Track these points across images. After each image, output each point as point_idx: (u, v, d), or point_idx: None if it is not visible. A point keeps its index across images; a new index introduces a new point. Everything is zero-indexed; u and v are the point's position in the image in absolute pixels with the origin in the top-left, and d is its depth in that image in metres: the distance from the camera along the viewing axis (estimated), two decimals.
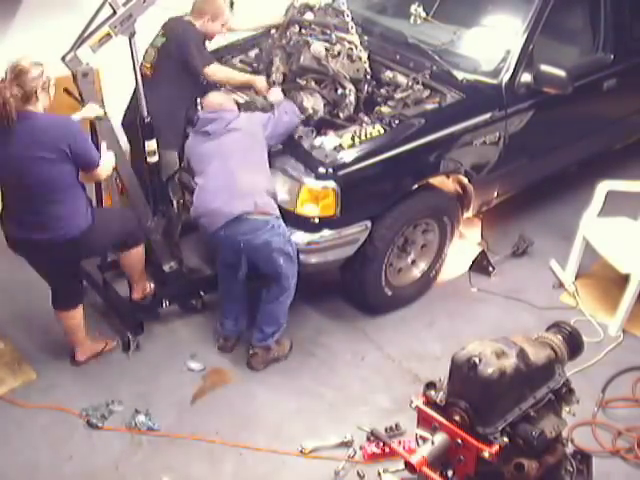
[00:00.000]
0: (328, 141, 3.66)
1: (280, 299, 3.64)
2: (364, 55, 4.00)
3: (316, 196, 3.55)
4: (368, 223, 3.72)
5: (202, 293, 4.06)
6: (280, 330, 3.74)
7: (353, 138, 3.66)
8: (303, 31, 4.27)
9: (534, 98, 4.14)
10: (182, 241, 4.39)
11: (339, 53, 3.95)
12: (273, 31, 4.44)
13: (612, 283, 4.23)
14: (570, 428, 3.26)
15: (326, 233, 3.63)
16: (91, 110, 3.49)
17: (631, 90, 4.75)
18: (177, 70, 3.93)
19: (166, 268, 4.04)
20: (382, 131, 3.71)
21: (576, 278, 4.36)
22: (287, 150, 3.72)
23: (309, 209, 3.57)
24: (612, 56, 4.53)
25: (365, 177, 3.67)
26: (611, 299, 4.15)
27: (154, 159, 3.81)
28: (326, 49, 3.97)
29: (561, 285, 4.36)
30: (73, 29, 3.46)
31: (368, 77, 4.01)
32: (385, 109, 3.90)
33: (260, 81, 4.08)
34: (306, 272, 3.70)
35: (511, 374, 2.21)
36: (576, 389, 2.42)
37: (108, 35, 3.42)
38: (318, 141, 3.66)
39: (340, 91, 3.94)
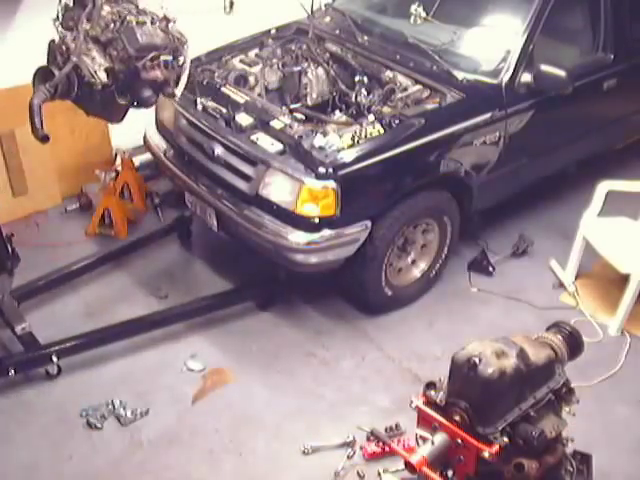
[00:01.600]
0: (328, 141, 3.65)
1: None
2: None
3: (316, 196, 3.54)
4: (368, 223, 3.71)
5: (55, 359, 3.55)
6: None
7: (353, 138, 3.66)
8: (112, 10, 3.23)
9: (534, 98, 4.14)
10: None
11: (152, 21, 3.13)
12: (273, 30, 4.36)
13: (612, 283, 4.23)
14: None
15: (326, 233, 3.62)
16: None
17: (631, 90, 4.75)
18: None
19: (18, 330, 3.62)
20: (382, 131, 3.71)
21: (576, 278, 4.36)
22: (287, 150, 3.72)
23: (309, 209, 3.57)
24: (612, 56, 4.54)
25: (365, 177, 3.67)
26: (611, 299, 4.15)
27: None
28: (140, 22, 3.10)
29: (561, 285, 4.36)
30: None
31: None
32: (385, 109, 3.90)
33: None
34: (306, 272, 3.69)
35: (511, 374, 2.21)
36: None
37: None
38: (318, 141, 3.66)
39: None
